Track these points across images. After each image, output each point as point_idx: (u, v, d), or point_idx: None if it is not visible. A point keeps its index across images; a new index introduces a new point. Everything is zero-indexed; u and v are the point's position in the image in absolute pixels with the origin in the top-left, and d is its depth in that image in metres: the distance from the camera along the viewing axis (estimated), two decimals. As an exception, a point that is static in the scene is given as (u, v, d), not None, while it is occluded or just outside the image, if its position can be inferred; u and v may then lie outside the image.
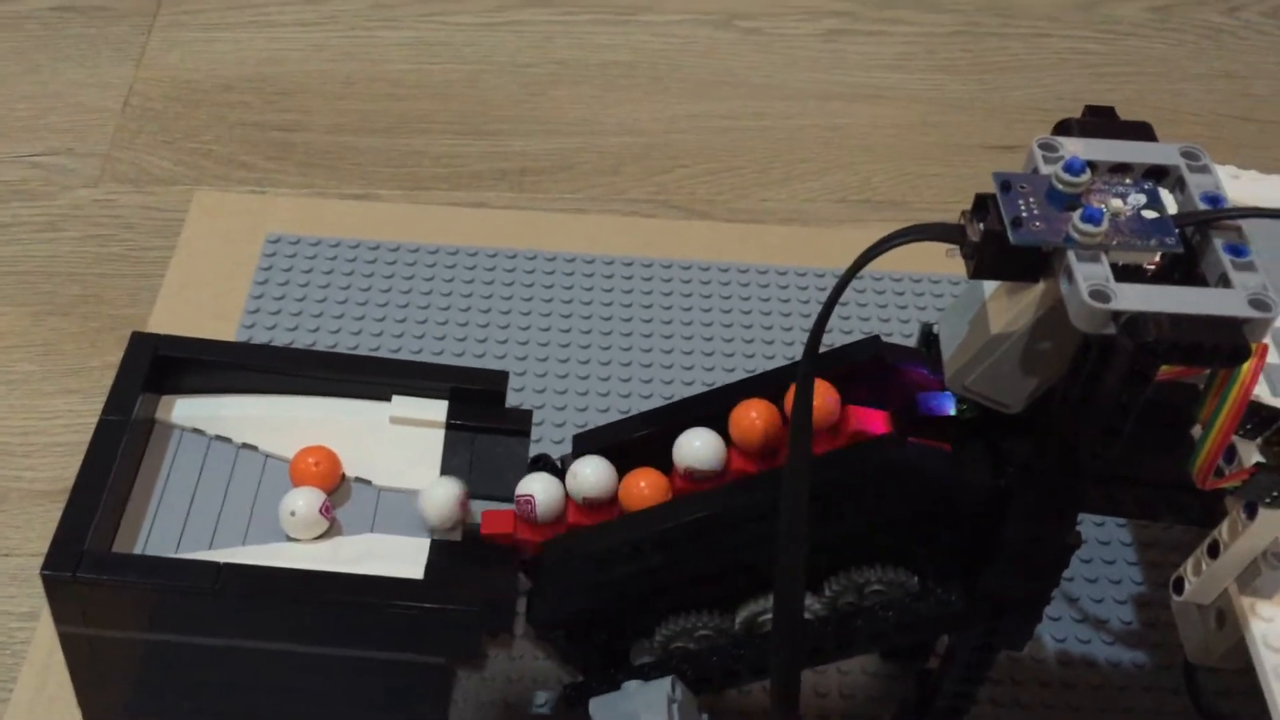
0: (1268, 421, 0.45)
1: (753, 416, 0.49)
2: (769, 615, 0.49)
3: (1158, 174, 0.43)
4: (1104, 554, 0.68)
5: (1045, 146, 0.43)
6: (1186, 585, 0.47)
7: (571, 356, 0.76)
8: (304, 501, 0.49)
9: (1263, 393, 0.54)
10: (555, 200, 0.89)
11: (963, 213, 0.42)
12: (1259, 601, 0.46)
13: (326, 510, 0.49)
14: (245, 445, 0.52)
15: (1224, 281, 0.39)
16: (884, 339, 0.49)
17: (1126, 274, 0.41)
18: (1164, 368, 0.40)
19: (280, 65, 0.98)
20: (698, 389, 0.74)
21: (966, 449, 0.47)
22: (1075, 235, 0.39)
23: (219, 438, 0.52)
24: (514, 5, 1.06)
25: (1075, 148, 0.43)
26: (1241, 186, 0.65)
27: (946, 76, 1.04)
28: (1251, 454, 0.45)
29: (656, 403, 0.72)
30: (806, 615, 0.49)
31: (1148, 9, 1.13)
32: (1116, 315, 0.38)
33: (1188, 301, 0.38)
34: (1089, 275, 0.38)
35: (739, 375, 0.73)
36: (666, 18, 1.06)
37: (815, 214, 0.90)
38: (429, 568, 0.48)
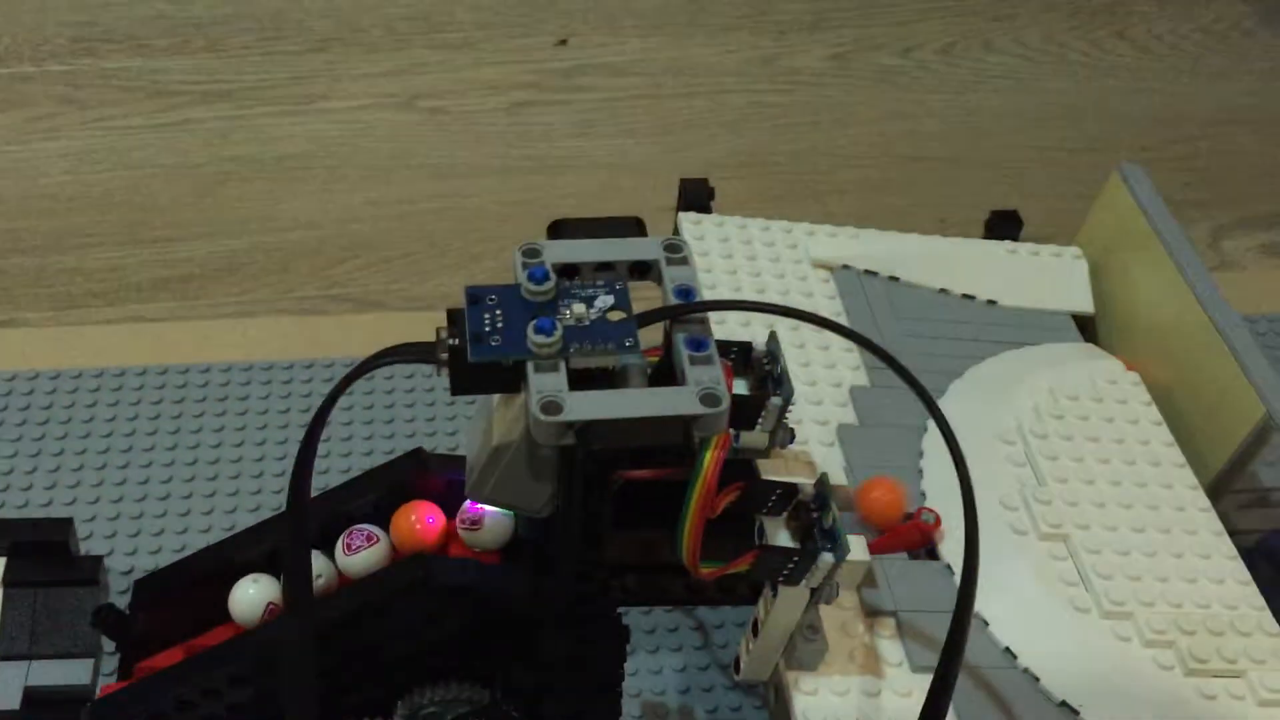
0: (789, 497, 0.46)
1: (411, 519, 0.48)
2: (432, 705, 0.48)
3: (643, 269, 0.44)
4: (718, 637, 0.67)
5: (527, 253, 0.43)
6: (742, 664, 0.47)
7: (220, 473, 0.73)
8: None
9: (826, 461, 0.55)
10: (219, 306, 0.86)
11: (438, 329, 0.41)
12: (801, 675, 0.46)
13: None
14: None
15: (683, 378, 0.40)
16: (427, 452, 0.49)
17: (608, 377, 0.41)
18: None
19: (-74, 188, 0.93)
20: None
21: (520, 557, 0.47)
22: (532, 347, 0.39)
23: None
24: (186, 103, 1.03)
25: (556, 252, 0.43)
26: (857, 245, 0.67)
27: (630, 140, 1.05)
28: (778, 531, 0.46)
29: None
30: (381, 740, 0.48)
31: (826, 57, 1.16)
32: (574, 425, 0.38)
33: (639, 405, 0.39)
34: (542, 387, 0.38)
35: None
36: (346, 104, 1.05)
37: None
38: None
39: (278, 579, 0.47)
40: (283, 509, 0.69)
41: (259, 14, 1.15)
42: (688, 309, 0.41)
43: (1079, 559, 0.51)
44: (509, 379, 0.40)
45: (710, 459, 0.40)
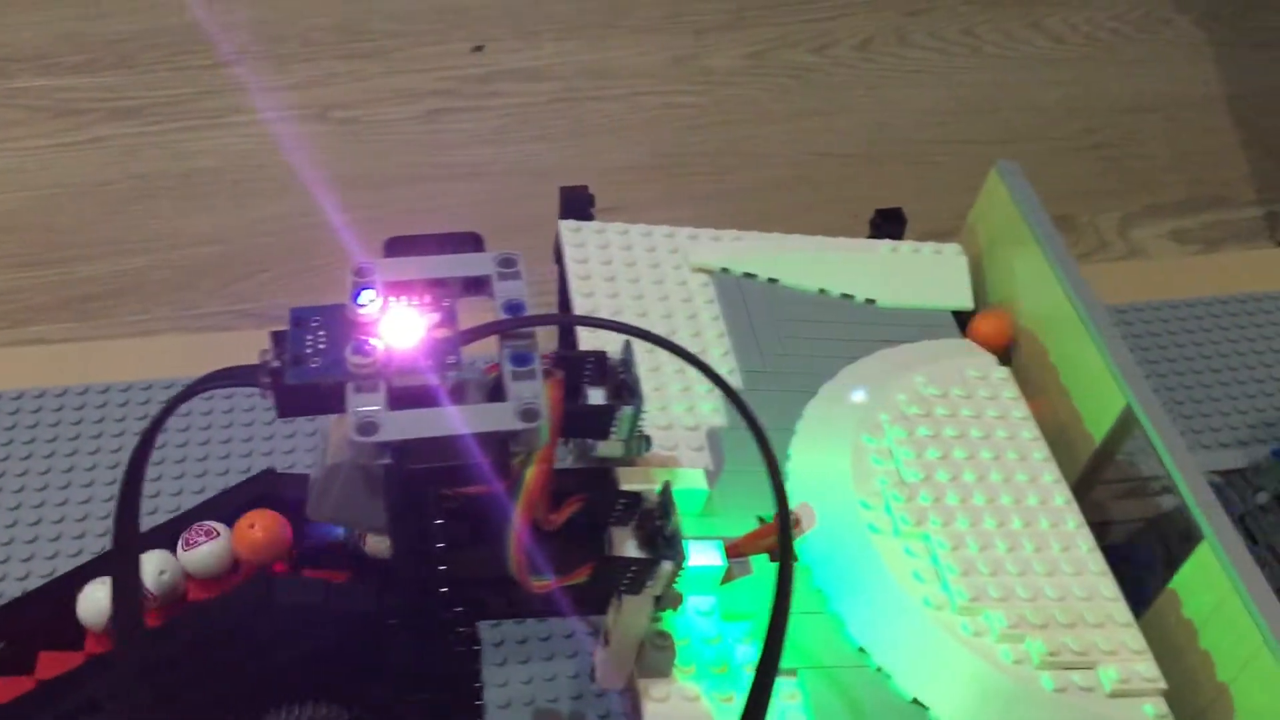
0: (634, 506, 0.46)
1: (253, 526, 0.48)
2: None
3: (477, 285, 0.44)
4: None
5: (357, 272, 0.43)
6: (597, 673, 0.48)
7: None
8: None
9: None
10: (121, 326, 0.86)
11: (262, 351, 0.41)
12: (652, 682, 0.47)
13: None
14: None
15: (506, 393, 0.40)
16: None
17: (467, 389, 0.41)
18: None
19: None
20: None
21: (370, 575, 0.47)
22: (350, 368, 0.39)
23: None
24: (94, 121, 1.03)
25: (390, 270, 0.43)
26: (738, 249, 0.67)
27: (543, 145, 1.05)
28: (626, 540, 0.46)
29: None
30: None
31: (741, 56, 1.17)
32: (390, 444, 0.38)
33: (457, 422, 0.39)
34: (362, 409, 0.39)
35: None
36: (258, 116, 1.05)
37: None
38: None
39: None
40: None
41: (172, 28, 1.14)
42: (509, 324, 0.41)
43: (936, 555, 0.51)
44: (332, 400, 0.40)
45: (532, 474, 0.40)
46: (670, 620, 0.49)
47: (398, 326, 0.40)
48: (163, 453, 0.75)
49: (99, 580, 0.47)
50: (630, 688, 0.48)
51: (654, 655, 0.47)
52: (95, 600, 0.47)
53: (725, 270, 0.65)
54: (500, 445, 0.39)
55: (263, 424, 0.76)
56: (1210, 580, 0.50)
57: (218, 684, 0.46)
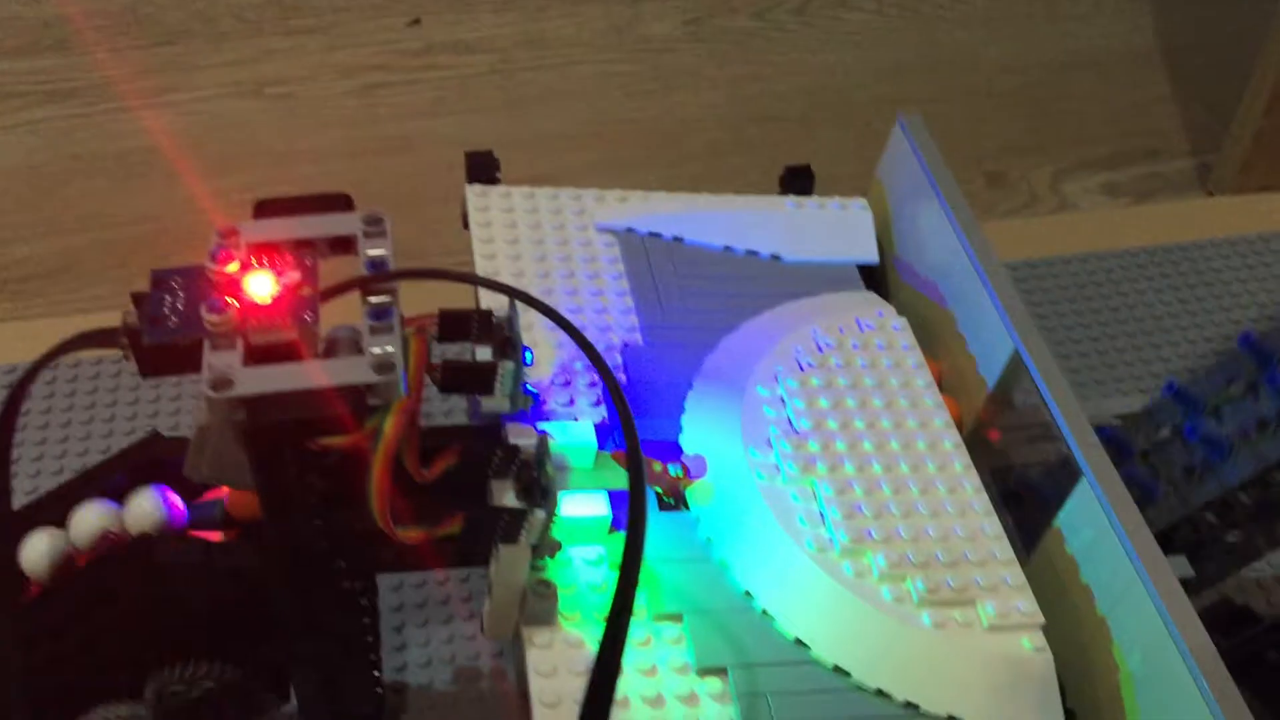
0: (511, 458, 0.47)
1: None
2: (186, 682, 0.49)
3: (344, 245, 0.45)
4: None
5: (222, 233, 0.44)
6: (484, 623, 0.49)
7: (43, 469, 0.74)
8: None
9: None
10: (56, 305, 0.87)
11: (124, 313, 0.42)
12: (535, 630, 0.48)
13: None
14: None
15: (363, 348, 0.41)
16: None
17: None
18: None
19: None
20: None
21: (256, 534, 0.48)
22: (207, 326, 0.40)
23: None
24: (30, 104, 1.03)
25: (254, 231, 0.44)
26: (645, 208, 0.68)
27: (478, 116, 1.06)
28: (505, 492, 0.47)
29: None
30: (136, 721, 0.49)
31: (680, 23, 1.17)
32: (245, 399, 0.39)
33: (311, 376, 0.39)
34: (216, 365, 0.39)
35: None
36: (192, 94, 1.05)
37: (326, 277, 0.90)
38: None
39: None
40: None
41: (110, 10, 1.14)
42: (368, 280, 0.42)
43: (821, 500, 0.52)
44: (192, 359, 0.41)
45: (390, 425, 0.41)
46: (557, 570, 0.50)
47: (255, 285, 0.41)
48: (45, 430, 0.77)
49: (47, 530, 0.48)
50: (517, 636, 0.49)
51: (536, 603, 0.47)
52: (34, 549, 0.47)
53: (630, 230, 0.66)
54: (357, 398, 0.40)
55: (150, 388, 0.78)
56: (1089, 516, 0.51)
57: (105, 648, 0.47)
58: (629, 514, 0.41)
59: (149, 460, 0.48)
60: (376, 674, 0.51)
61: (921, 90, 1.12)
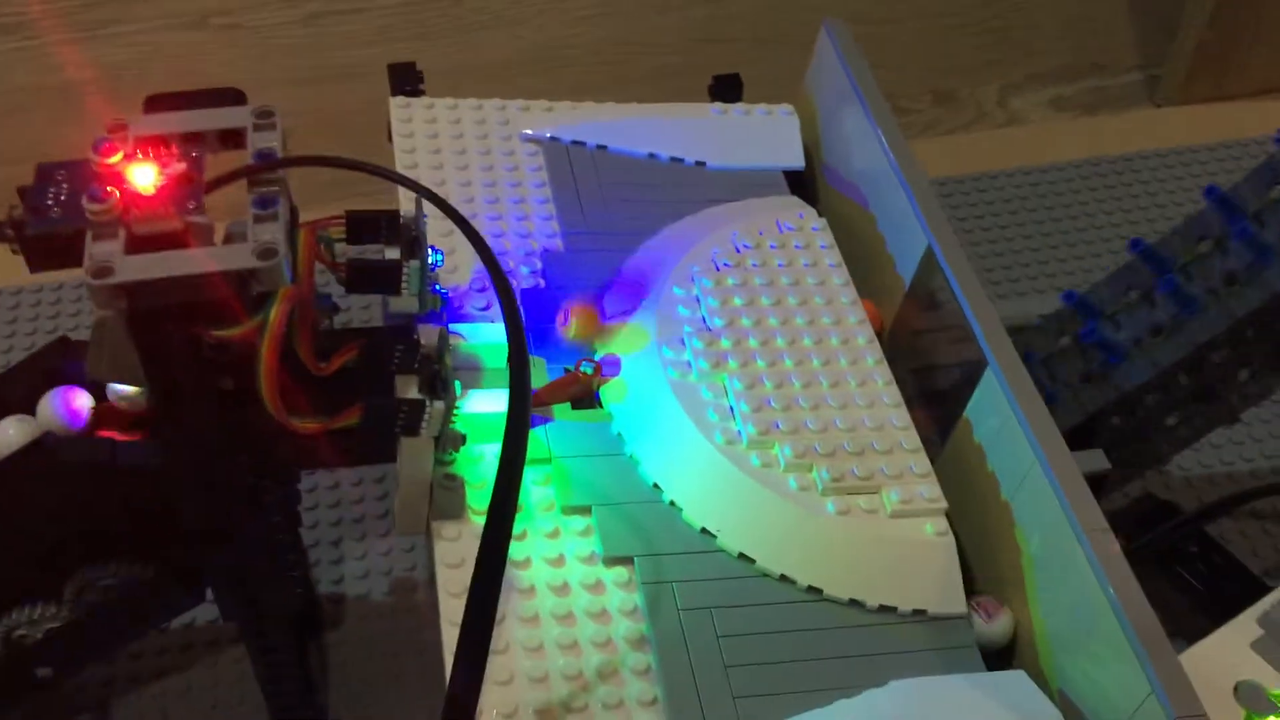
0: (413, 352, 0.47)
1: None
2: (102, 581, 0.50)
3: (235, 138, 0.45)
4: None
5: (110, 128, 0.44)
6: (395, 519, 0.49)
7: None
8: None
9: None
10: (-4, 234, 0.86)
11: (11, 207, 0.42)
12: (443, 524, 0.48)
13: None
14: None
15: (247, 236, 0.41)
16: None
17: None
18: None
19: None
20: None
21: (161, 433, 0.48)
22: (90, 216, 0.40)
23: None
24: (-30, 39, 1.02)
25: (147, 125, 0.44)
26: (570, 118, 0.68)
27: (426, 44, 1.05)
28: (409, 386, 0.47)
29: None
30: (54, 624, 0.49)
31: (630, -53, 1.16)
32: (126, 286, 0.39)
33: (193, 263, 0.40)
34: (97, 254, 0.40)
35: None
36: (136, 26, 1.04)
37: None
38: None
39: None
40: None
41: (54, -56, 1.13)
42: (250, 170, 0.42)
43: (731, 394, 0.53)
44: (78, 252, 0.41)
45: (275, 312, 0.41)
46: (466, 466, 0.50)
47: (137, 175, 0.41)
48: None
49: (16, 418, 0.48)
50: (427, 531, 0.49)
51: (443, 496, 0.48)
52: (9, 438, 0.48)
53: (554, 139, 0.66)
54: (240, 283, 0.40)
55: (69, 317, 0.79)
56: (995, 404, 0.51)
57: (18, 549, 0.47)
58: (510, 397, 0.41)
59: (57, 366, 0.49)
60: (294, 575, 0.52)
61: (875, 11, 1.11)
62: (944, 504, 0.51)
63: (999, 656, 0.51)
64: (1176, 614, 0.67)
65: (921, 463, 0.52)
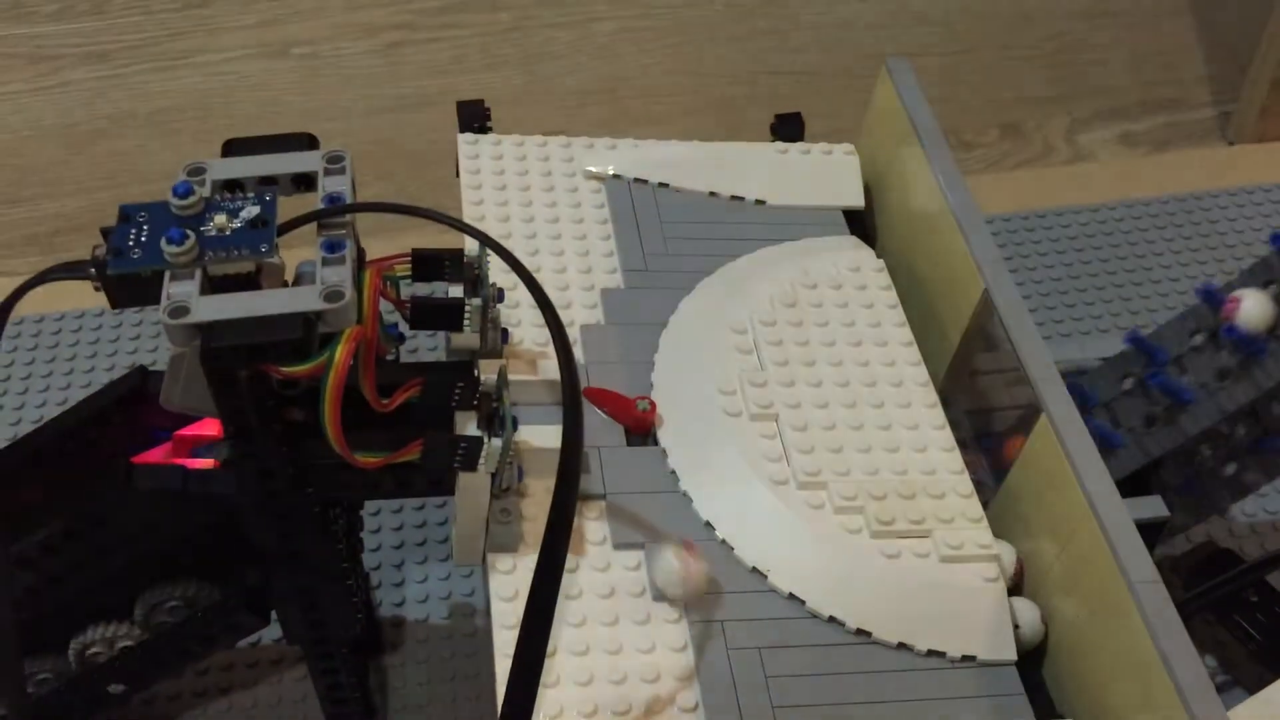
0: (473, 390, 0.48)
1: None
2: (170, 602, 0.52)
3: (307, 182, 0.47)
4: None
5: (190, 171, 0.46)
6: (454, 550, 0.50)
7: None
8: None
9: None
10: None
11: (95, 247, 0.44)
12: (499, 556, 0.49)
13: None
14: None
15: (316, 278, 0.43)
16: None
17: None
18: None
19: None
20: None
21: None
22: (167, 257, 0.42)
23: None
24: (65, 66, 1.06)
25: (221, 169, 0.46)
26: (633, 155, 0.69)
27: (497, 74, 1.07)
28: (468, 423, 0.48)
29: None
30: (127, 643, 0.52)
31: (700, -21, 1.17)
32: (201, 326, 0.41)
33: (265, 304, 0.41)
34: (175, 294, 0.41)
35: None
36: (220, 56, 1.08)
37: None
38: None
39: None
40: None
41: (144, -26, 1.17)
42: (322, 214, 0.44)
43: (784, 436, 0.53)
44: (157, 291, 0.43)
45: (340, 351, 0.42)
46: (523, 500, 0.51)
47: (218, 219, 0.43)
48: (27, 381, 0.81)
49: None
50: (483, 562, 0.51)
51: (499, 530, 0.49)
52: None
53: (617, 176, 0.67)
54: (308, 325, 0.41)
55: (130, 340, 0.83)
56: (1048, 449, 0.51)
57: (91, 571, 0.50)
58: (563, 439, 0.42)
59: (132, 392, 0.51)
60: (355, 599, 0.54)
61: (939, 43, 1.12)
62: (995, 550, 0.51)
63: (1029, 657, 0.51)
64: (1235, 662, 0.66)
65: (973, 508, 0.52)
